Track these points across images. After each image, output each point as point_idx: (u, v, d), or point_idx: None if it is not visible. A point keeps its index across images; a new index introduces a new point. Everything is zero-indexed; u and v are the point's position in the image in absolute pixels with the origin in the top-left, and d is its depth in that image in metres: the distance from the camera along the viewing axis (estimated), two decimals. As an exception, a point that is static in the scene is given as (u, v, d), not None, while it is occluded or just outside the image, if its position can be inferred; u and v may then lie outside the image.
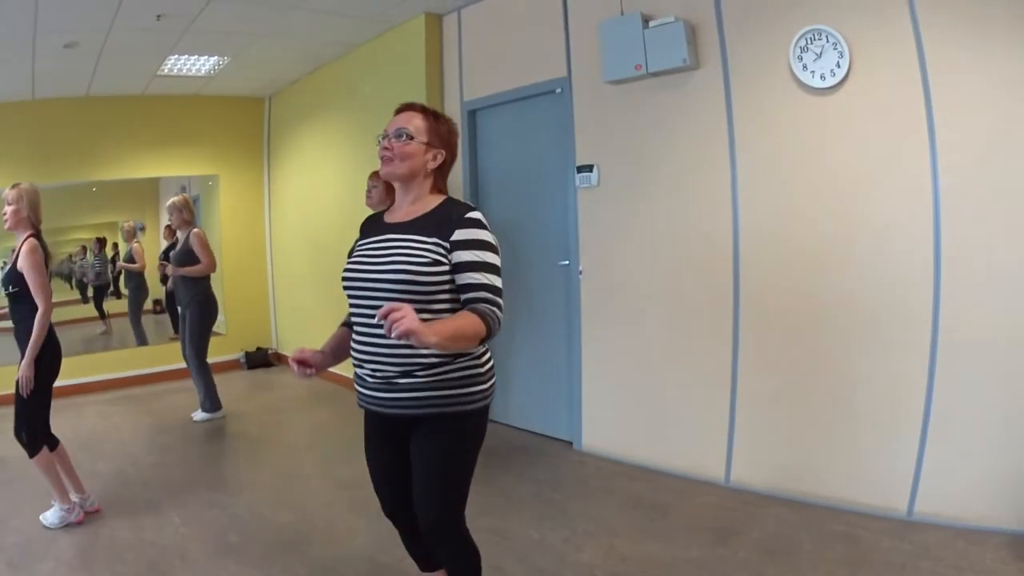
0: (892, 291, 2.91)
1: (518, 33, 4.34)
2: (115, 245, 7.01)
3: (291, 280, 7.05)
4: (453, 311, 1.94)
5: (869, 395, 3.01)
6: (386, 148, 2.03)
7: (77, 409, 5.79)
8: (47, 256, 3.40)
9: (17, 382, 3.27)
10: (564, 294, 4.19)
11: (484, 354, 2.05)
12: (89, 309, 7.05)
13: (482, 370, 2.02)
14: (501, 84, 4.46)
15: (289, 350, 7.18)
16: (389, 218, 2.11)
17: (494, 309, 1.89)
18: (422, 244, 1.94)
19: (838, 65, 2.92)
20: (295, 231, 6.90)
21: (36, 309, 3.29)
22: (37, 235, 3.37)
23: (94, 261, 7.00)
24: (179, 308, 5.34)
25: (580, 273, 4.05)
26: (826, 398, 3.13)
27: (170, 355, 6.65)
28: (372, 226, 2.15)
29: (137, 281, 6.96)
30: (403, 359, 1.93)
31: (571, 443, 4.23)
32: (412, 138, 2.02)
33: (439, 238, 1.94)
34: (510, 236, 4.45)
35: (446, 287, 1.95)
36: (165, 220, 6.84)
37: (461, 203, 2.06)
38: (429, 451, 2.03)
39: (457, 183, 4.79)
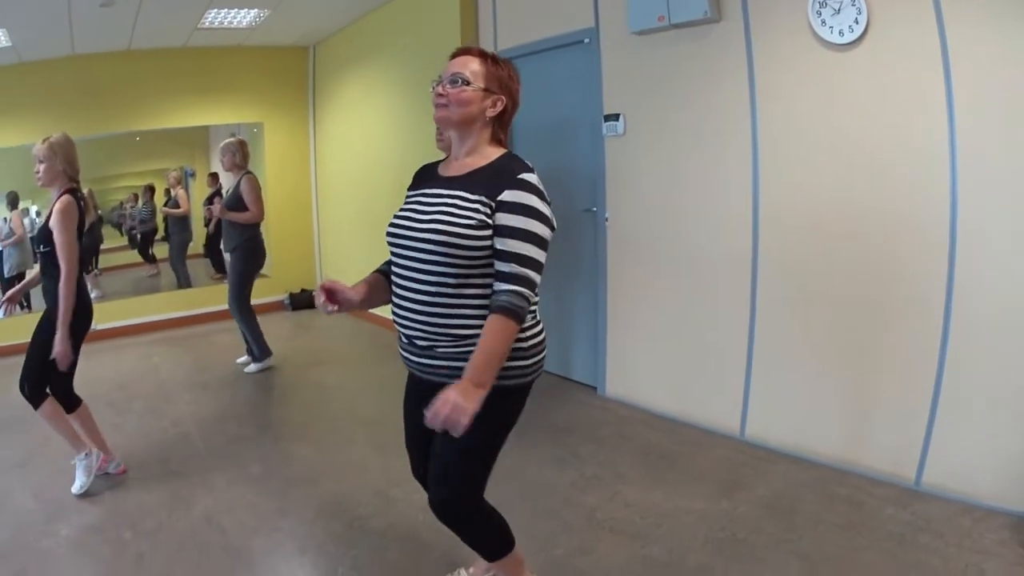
0: (907, 252, 2.86)
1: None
2: (167, 191, 7.22)
3: (336, 223, 7.21)
4: (490, 277, 1.81)
5: (882, 359, 2.98)
6: (440, 95, 1.86)
7: (118, 351, 6.02)
8: (85, 210, 3.23)
9: (36, 339, 3.18)
10: (592, 241, 4.23)
11: (531, 327, 1.88)
12: (137, 255, 7.29)
13: (525, 344, 1.85)
14: (532, 34, 4.45)
15: (333, 292, 7.44)
16: (442, 170, 1.95)
17: (521, 291, 1.73)
18: (470, 203, 1.79)
19: (856, 21, 2.85)
20: (340, 176, 7.03)
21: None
22: (73, 190, 3.20)
23: (142, 208, 7.22)
24: (224, 253, 5.33)
25: (606, 220, 4.08)
26: (840, 359, 3.12)
27: (212, 297, 6.92)
28: (424, 177, 2.01)
29: (181, 225, 7.17)
30: (438, 327, 1.83)
31: (595, 388, 4.33)
32: (468, 84, 1.84)
33: (487, 196, 1.78)
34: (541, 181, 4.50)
35: (488, 248, 1.78)
36: (214, 167, 7.08)
37: (520, 161, 1.85)
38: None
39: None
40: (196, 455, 3.67)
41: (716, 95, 3.45)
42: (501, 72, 1.89)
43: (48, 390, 3.23)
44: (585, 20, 4.05)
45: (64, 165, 3.16)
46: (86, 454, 3.32)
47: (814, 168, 3.12)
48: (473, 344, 1.76)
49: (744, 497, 2.94)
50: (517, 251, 1.74)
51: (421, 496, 2.15)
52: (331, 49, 6.97)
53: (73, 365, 3.22)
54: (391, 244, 1.92)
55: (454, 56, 1.91)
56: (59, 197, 3.14)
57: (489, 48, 4.73)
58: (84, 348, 3.26)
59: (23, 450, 3.82)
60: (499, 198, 1.76)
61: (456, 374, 1.77)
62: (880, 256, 2.95)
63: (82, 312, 3.22)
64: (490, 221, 1.76)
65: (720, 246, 3.53)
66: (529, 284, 1.74)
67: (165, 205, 7.18)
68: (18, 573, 2.63)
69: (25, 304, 5.99)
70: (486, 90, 1.85)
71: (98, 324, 3.41)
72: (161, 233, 7.28)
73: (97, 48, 6.17)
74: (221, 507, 3.09)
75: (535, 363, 1.89)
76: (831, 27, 2.92)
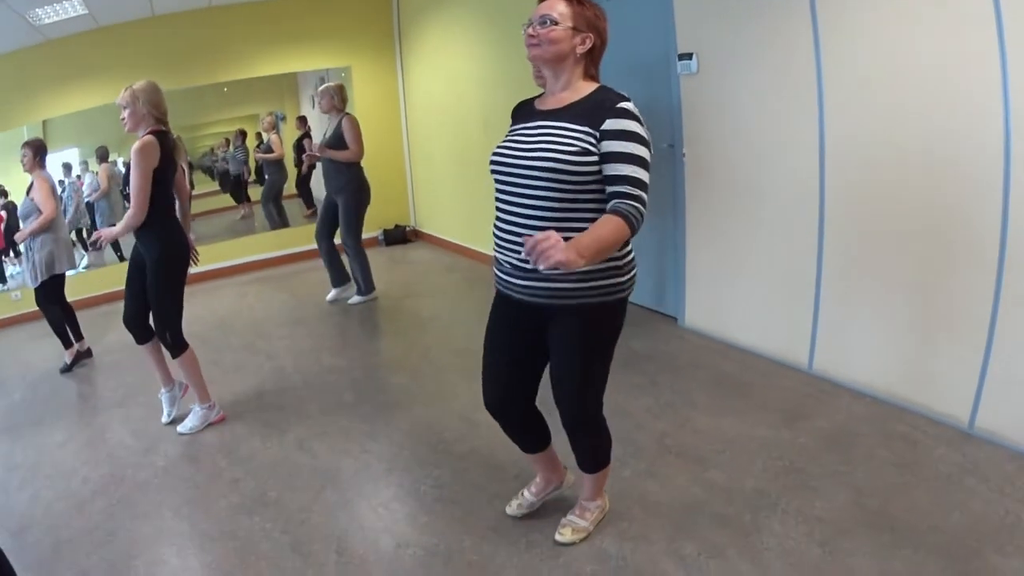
0: (964, 191, 2.85)
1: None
2: (258, 135, 7.44)
3: (428, 161, 7.40)
4: (602, 203, 1.92)
5: (941, 299, 3.00)
6: (531, 35, 2.00)
7: (213, 292, 6.32)
8: (172, 151, 3.25)
9: (151, 292, 3.32)
10: (670, 176, 4.32)
11: (625, 246, 2.03)
12: (228, 199, 7.52)
13: (621, 263, 2.02)
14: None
15: (427, 228, 7.69)
16: (540, 105, 2.08)
17: (637, 206, 1.84)
18: (572, 132, 1.92)
19: None
20: (429, 115, 7.16)
21: (156, 215, 3.21)
22: (160, 132, 3.22)
23: (235, 152, 7.44)
24: (329, 194, 5.40)
25: (683, 156, 4.16)
26: (903, 297, 3.15)
27: (303, 237, 7.12)
28: (523, 112, 2.15)
29: (275, 168, 7.37)
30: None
31: (676, 319, 4.49)
32: (557, 23, 1.97)
33: (590, 126, 1.90)
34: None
35: (595, 178, 1.92)
36: (304, 110, 7.30)
37: (615, 92, 1.98)
38: (569, 345, 2.08)
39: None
40: (290, 386, 3.95)
41: (782, 37, 3.44)
42: (587, 12, 2.02)
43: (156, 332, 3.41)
44: (658, -44, 4.03)
45: (148, 108, 3.20)
46: (208, 406, 3.54)
47: (875, 106, 3.11)
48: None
49: (805, 427, 3.07)
50: (627, 174, 1.87)
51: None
52: (415, -9, 7.03)
53: (180, 307, 3.38)
54: (496, 172, 2.06)
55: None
56: (143, 136, 3.18)
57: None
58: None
59: (123, 391, 4.19)
60: (603, 127, 1.89)
61: (555, 294, 2.00)
62: (940, 193, 2.94)
63: (179, 254, 3.33)
64: (594, 149, 1.89)
65: (790, 180, 3.57)
66: (642, 201, 1.87)
67: (257, 149, 7.40)
68: (118, 502, 2.93)
69: (117, 251, 6.51)
70: (575, 28, 1.98)
71: (192, 267, 3.49)
72: (254, 176, 7.52)
73: (177, 7, 6.31)
74: (313, 433, 3.38)
75: (630, 278, 2.08)
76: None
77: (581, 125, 1.91)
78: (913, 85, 2.95)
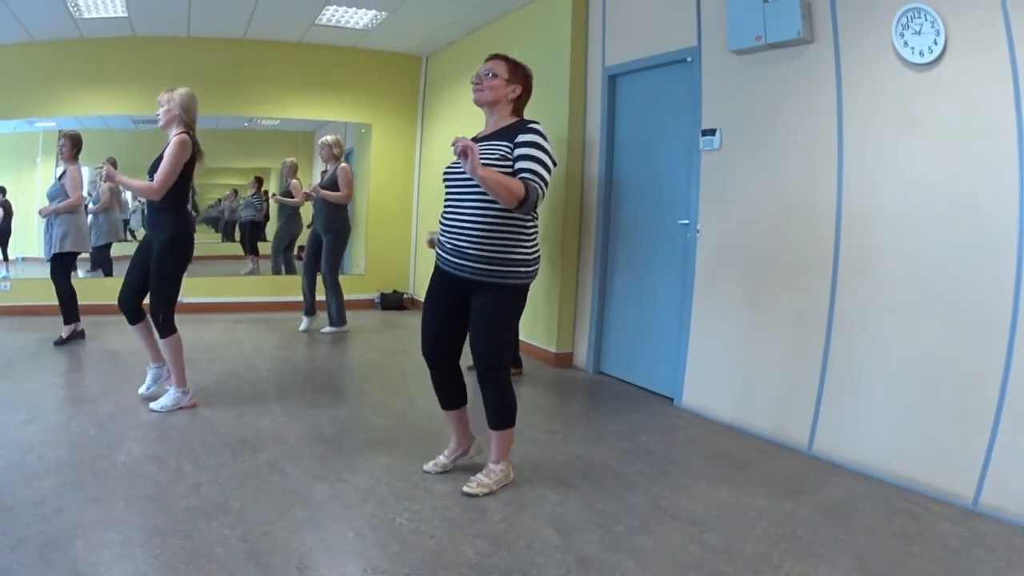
0: (974, 269, 2.89)
1: (656, 2, 4.50)
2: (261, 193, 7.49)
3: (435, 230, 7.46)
4: None
5: (948, 378, 2.98)
6: (477, 83, 2.83)
7: (205, 324, 6.34)
8: (197, 154, 3.59)
9: (154, 271, 3.54)
10: (681, 253, 4.33)
11: (533, 249, 2.81)
12: (234, 247, 7.50)
13: (529, 256, 2.79)
14: (638, 52, 4.63)
15: (423, 297, 7.68)
16: (481, 135, 2.87)
17: (536, 183, 2.61)
18: (495, 145, 2.70)
19: (935, 43, 2.95)
20: (442, 188, 7.26)
21: (173, 201, 3.51)
22: (189, 133, 3.56)
23: (251, 198, 7.46)
24: (316, 231, 6.02)
25: (697, 232, 4.18)
26: (909, 377, 3.13)
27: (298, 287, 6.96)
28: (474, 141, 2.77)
29: (289, 213, 7.23)
30: (473, 235, 2.71)
31: (672, 399, 4.38)
32: (497, 76, 2.81)
33: (507, 141, 2.70)
34: (637, 194, 4.73)
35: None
36: (316, 166, 7.35)
37: (529, 120, 2.79)
38: (484, 307, 2.81)
39: (594, 142, 5.08)
40: (269, 412, 3.87)
41: (806, 112, 3.54)
42: (519, 71, 2.86)
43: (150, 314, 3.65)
44: (688, 40, 4.19)
45: (180, 112, 3.58)
46: (183, 391, 3.73)
47: (894, 184, 3.17)
48: (491, 249, 2.71)
49: (806, 501, 2.96)
50: (530, 166, 2.64)
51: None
52: (443, 61, 7.28)
53: (176, 291, 3.64)
54: (445, 181, 2.86)
55: (487, 59, 2.85)
56: (176, 134, 3.54)
57: (598, 64, 4.99)
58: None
59: (96, 389, 4.17)
60: (516, 140, 2.68)
61: (477, 272, 2.74)
62: (947, 278, 2.98)
63: (187, 242, 3.67)
64: (510, 156, 2.65)
65: (803, 258, 3.58)
66: (541, 179, 2.64)
67: (273, 195, 7.40)
68: (71, 483, 2.82)
69: (131, 235, 6.67)
70: (509, 81, 2.82)
71: (184, 297, 3.78)
72: (273, 221, 7.46)
73: (213, 32, 6.50)
74: (288, 456, 3.25)
75: (533, 269, 2.83)
76: (912, 47, 3.03)
77: (501, 141, 2.71)
78: (929, 176, 3.02)
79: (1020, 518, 2.74)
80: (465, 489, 2.88)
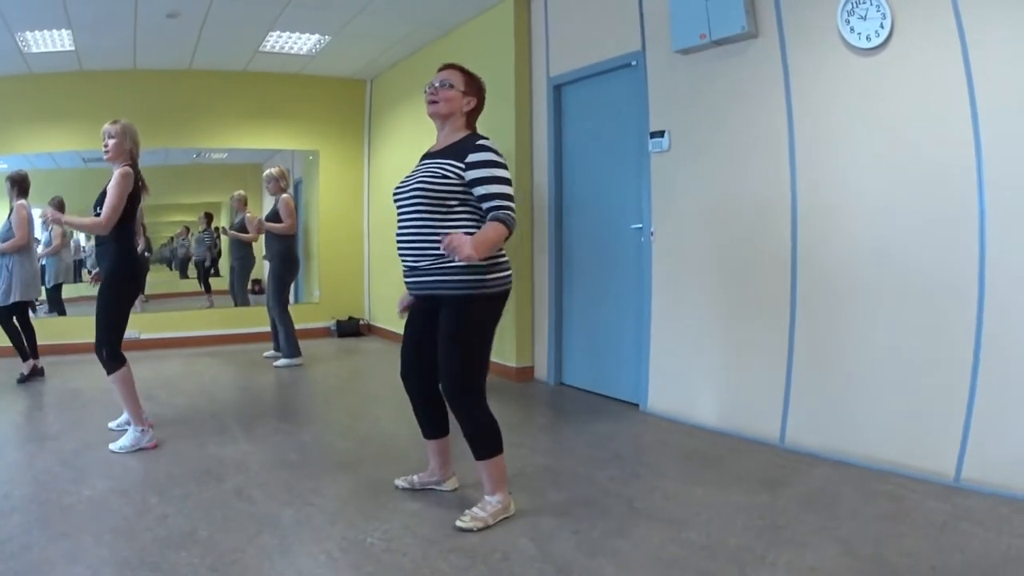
0: (938, 254, 2.91)
1: (597, 10, 4.52)
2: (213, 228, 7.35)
3: (386, 254, 7.30)
4: (466, 213, 2.57)
5: (918, 358, 3.00)
6: (432, 94, 2.65)
7: (163, 360, 6.14)
8: (142, 186, 3.58)
9: (98, 302, 3.51)
10: (636, 258, 4.31)
11: (504, 258, 2.62)
12: (190, 284, 7.38)
13: (483, 263, 2.53)
14: (582, 60, 4.64)
15: (381, 322, 7.53)
16: (432, 149, 2.73)
17: (508, 212, 2.50)
18: (440, 164, 2.57)
19: (881, 26, 3.00)
20: (392, 211, 7.17)
21: (118, 238, 3.48)
22: (133, 166, 3.55)
23: (202, 235, 7.31)
24: (265, 260, 6.08)
25: (651, 235, 4.16)
26: (878, 361, 3.13)
27: (257, 317, 6.86)
28: (424, 156, 2.75)
29: (244, 251, 7.07)
30: (424, 252, 2.59)
31: (637, 405, 4.34)
32: (453, 87, 2.64)
33: (456, 160, 2.55)
34: (588, 201, 4.71)
35: (456, 194, 2.54)
36: (265, 199, 7.19)
37: (478, 135, 2.64)
38: (446, 322, 2.61)
39: (542, 153, 5.05)
40: (232, 440, 3.80)
41: (755, 107, 3.56)
42: (474, 82, 2.70)
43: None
44: (632, 44, 4.21)
45: (131, 145, 3.59)
46: (141, 431, 3.58)
47: (849, 180, 3.20)
48: (447, 263, 2.51)
49: (783, 492, 2.93)
50: (495, 191, 2.52)
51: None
52: (387, 83, 7.25)
53: (123, 323, 3.58)
54: (395, 199, 2.69)
55: (441, 69, 2.70)
56: (120, 169, 3.50)
57: (542, 74, 4.99)
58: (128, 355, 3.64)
59: (58, 427, 4.10)
60: (466, 160, 2.52)
61: (437, 286, 2.59)
62: (913, 259, 2.99)
63: (132, 273, 3.61)
64: (455, 174, 2.52)
65: (760, 255, 3.58)
66: (511, 208, 2.51)
67: (226, 230, 7.18)
68: (37, 520, 2.74)
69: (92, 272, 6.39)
70: (465, 92, 2.65)
71: (141, 334, 3.71)
72: (213, 265, 7.37)
73: (158, 64, 6.45)
74: (253, 483, 3.16)
75: (496, 277, 2.59)
76: (858, 33, 3.07)
77: (449, 159, 2.56)
78: (887, 159, 3.05)
79: (1004, 489, 2.75)
80: (458, 523, 2.63)
